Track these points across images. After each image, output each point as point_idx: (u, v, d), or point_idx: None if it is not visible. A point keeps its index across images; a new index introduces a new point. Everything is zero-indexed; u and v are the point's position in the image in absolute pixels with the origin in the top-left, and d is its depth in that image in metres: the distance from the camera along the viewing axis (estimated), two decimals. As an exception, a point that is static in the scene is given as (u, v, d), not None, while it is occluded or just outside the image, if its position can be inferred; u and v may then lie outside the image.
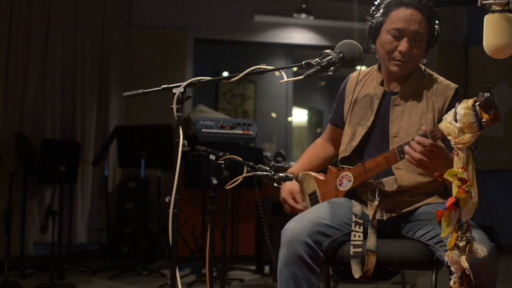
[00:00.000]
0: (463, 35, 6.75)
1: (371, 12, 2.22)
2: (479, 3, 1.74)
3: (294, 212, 2.29)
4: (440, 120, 2.05)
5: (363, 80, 2.30)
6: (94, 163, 5.44)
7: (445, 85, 2.19)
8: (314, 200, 2.30)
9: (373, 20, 2.19)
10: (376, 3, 2.22)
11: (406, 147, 1.91)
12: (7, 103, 5.18)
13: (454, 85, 2.19)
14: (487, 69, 6.06)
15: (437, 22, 2.17)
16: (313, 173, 2.34)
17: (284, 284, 2.00)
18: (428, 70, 2.25)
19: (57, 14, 5.50)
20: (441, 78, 2.23)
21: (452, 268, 1.66)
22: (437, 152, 1.86)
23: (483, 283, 1.80)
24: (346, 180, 2.18)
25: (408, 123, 2.14)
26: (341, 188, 2.19)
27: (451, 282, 1.67)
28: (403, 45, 2.12)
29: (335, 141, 2.39)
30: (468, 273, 1.63)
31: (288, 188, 2.32)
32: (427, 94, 2.17)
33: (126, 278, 4.68)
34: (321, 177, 2.30)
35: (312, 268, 1.98)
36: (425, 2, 2.15)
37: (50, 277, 4.09)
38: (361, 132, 2.21)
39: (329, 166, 2.29)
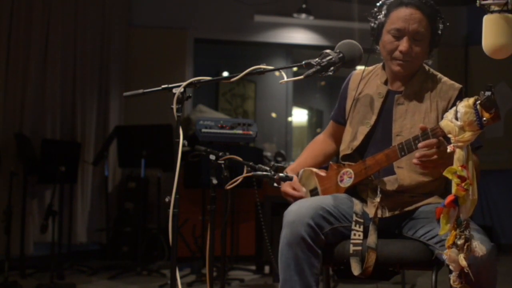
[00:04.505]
0: (463, 35, 6.75)
1: (373, 14, 2.22)
2: (478, 4, 1.75)
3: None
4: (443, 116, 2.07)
5: (367, 77, 2.30)
6: (94, 163, 5.45)
7: (449, 85, 2.19)
8: (315, 196, 2.31)
9: (375, 22, 2.20)
10: (377, 4, 2.22)
11: (415, 160, 1.91)
12: (7, 103, 5.18)
13: (458, 85, 2.19)
14: (487, 69, 6.07)
15: (441, 21, 2.17)
16: (314, 169, 2.34)
17: (285, 264, 2.00)
18: (432, 70, 2.25)
19: (57, 14, 5.50)
20: (445, 78, 2.22)
21: (450, 267, 1.66)
22: (443, 148, 1.87)
23: (484, 283, 1.80)
24: (347, 176, 2.19)
25: (411, 122, 2.14)
26: (342, 185, 2.20)
27: (451, 281, 1.68)
28: (403, 44, 2.12)
29: (337, 138, 2.40)
30: (466, 271, 1.63)
31: (288, 182, 2.33)
32: (431, 94, 2.17)
33: (126, 278, 4.68)
34: (322, 173, 2.30)
35: (313, 249, 1.99)
36: (425, 1, 2.15)
37: (50, 277, 4.09)
38: (363, 131, 2.21)
39: (330, 163, 2.29)
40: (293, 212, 2.03)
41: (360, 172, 2.14)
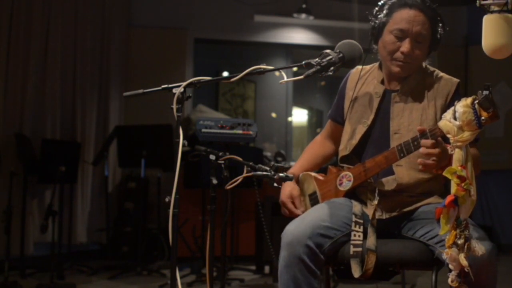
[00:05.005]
0: (463, 35, 6.75)
1: (374, 12, 2.21)
2: (478, 4, 1.74)
3: (292, 216, 2.29)
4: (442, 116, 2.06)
5: (364, 77, 2.30)
6: (94, 163, 5.44)
7: (447, 80, 2.19)
8: (314, 200, 2.30)
9: (376, 21, 2.19)
10: (379, 3, 2.21)
11: (419, 160, 1.89)
12: (7, 103, 5.18)
13: (455, 80, 2.19)
14: (487, 69, 6.06)
15: (440, 24, 2.17)
16: (313, 173, 2.34)
17: (284, 286, 2.00)
18: (428, 66, 2.24)
19: (57, 14, 5.50)
20: (441, 74, 2.22)
21: (450, 266, 1.66)
22: (442, 148, 1.86)
23: (484, 283, 1.80)
24: (346, 180, 2.18)
25: (409, 120, 2.14)
26: (341, 188, 2.19)
27: (449, 280, 1.68)
28: (405, 46, 2.11)
29: (335, 138, 2.39)
30: (467, 271, 1.63)
31: (288, 192, 2.32)
32: (428, 90, 2.17)
33: (126, 278, 4.68)
34: (321, 177, 2.30)
35: (312, 270, 1.98)
36: (429, 4, 2.14)
37: (50, 277, 4.09)
38: (360, 130, 2.21)
39: (329, 166, 2.29)
40: (290, 232, 2.01)
41: (359, 174, 2.14)
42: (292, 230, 2.01)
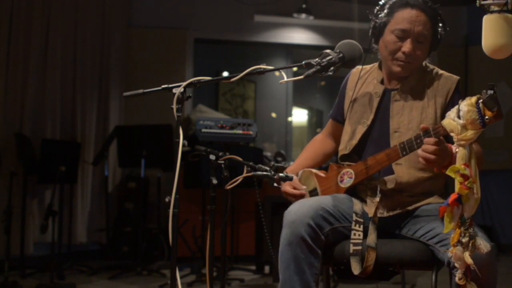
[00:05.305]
0: (463, 35, 6.75)
1: (375, 12, 2.21)
2: (478, 4, 1.75)
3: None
4: (442, 114, 2.07)
5: (364, 77, 2.30)
6: (94, 163, 5.45)
7: (446, 77, 2.19)
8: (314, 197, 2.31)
9: (377, 20, 2.19)
10: (380, 3, 2.21)
11: (419, 152, 1.90)
12: (7, 103, 5.18)
13: (455, 78, 2.19)
14: (487, 69, 6.07)
15: (440, 24, 2.17)
16: (313, 170, 2.34)
17: (285, 264, 2.01)
18: (428, 64, 2.25)
19: (57, 14, 5.50)
20: (441, 71, 2.22)
21: (456, 264, 1.66)
22: (443, 147, 1.87)
23: (484, 282, 1.80)
24: (347, 176, 2.19)
25: (408, 118, 2.14)
26: (342, 185, 2.19)
27: (456, 278, 1.68)
28: (406, 46, 2.11)
29: (336, 137, 2.40)
30: (472, 268, 1.64)
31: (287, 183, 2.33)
32: (428, 89, 2.17)
33: (126, 278, 4.68)
34: (321, 174, 2.31)
35: (313, 249, 1.99)
36: (430, 4, 2.15)
37: (50, 277, 4.09)
38: (360, 130, 2.21)
39: (330, 163, 2.29)
40: (293, 212, 2.03)
41: (360, 172, 2.14)
42: (296, 210, 2.03)
